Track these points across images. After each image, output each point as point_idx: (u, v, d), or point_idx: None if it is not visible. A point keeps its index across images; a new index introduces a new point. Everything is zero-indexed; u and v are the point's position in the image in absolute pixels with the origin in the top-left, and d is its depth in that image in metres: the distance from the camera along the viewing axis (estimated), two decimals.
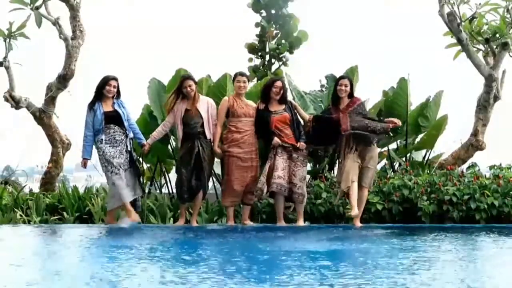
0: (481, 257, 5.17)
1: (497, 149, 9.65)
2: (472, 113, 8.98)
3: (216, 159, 7.51)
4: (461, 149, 8.94)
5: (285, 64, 9.69)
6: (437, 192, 7.52)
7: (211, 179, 7.90)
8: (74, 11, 8.60)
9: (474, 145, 8.86)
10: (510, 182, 7.55)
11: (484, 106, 8.82)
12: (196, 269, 4.30)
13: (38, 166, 10.16)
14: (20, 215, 7.67)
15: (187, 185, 7.05)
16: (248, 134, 7.16)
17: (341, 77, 7.37)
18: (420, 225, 7.32)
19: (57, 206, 7.92)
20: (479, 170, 8.50)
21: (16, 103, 8.72)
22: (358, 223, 7.12)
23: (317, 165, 8.63)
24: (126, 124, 7.12)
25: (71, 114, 9.53)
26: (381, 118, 8.88)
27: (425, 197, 7.50)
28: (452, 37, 8.77)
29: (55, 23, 8.57)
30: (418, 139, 9.27)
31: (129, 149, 7.09)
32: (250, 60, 9.81)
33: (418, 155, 9.36)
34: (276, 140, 7.08)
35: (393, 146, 9.23)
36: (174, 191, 7.70)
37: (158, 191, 8.90)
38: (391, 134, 8.64)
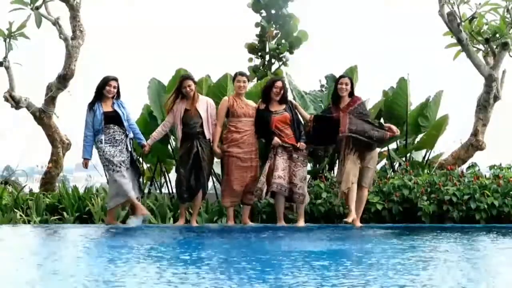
0: (481, 257, 5.17)
1: (497, 149, 9.66)
2: (472, 113, 8.98)
3: (216, 159, 7.51)
4: (461, 149, 8.94)
5: (285, 64, 9.69)
6: (437, 192, 7.53)
7: (211, 179, 7.90)
8: (74, 11, 8.60)
9: (474, 145, 8.86)
10: (510, 182, 7.55)
11: (484, 106, 8.82)
12: (196, 269, 4.30)
13: (38, 166, 10.16)
14: (20, 215, 7.67)
15: (186, 185, 7.06)
16: (248, 134, 7.16)
17: (342, 76, 7.38)
18: (420, 225, 7.32)
19: (57, 206, 7.92)
20: (479, 170, 8.50)
21: (16, 103, 8.72)
22: (358, 223, 7.12)
23: (317, 165, 8.63)
24: (126, 124, 7.12)
25: (71, 114, 9.54)
26: (381, 118, 8.93)
27: (425, 197, 7.50)
28: (452, 37, 8.77)
29: (55, 23, 8.57)
30: (418, 139, 9.27)
31: (129, 149, 7.09)
32: (250, 60, 9.82)
33: (418, 155, 9.36)
34: (276, 140, 7.08)
35: (393, 146, 9.23)
36: (174, 191, 7.70)
37: (158, 191, 8.90)
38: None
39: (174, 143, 8.49)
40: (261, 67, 9.71)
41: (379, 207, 7.50)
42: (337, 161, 7.84)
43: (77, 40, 8.63)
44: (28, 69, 9.40)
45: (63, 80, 8.69)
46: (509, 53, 8.69)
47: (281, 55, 9.65)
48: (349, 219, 6.93)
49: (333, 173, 8.45)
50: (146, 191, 8.52)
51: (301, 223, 7.16)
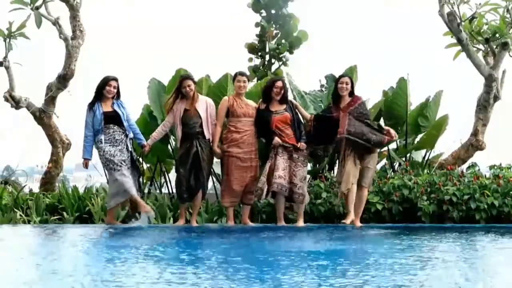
0: (481, 257, 5.17)
1: (497, 149, 9.66)
2: (472, 113, 8.99)
3: (216, 159, 7.51)
4: (461, 149, 8.94)
5: (285, 64, 9.69)
6: (437, 192, 7.53)
7: (210, 179, 7.90)
8: (74, 11, 8.60)
9: (474, 145, 8.86)
10: (510, 182, 7.56)
11: (484, 106, 8.83)
12: (196, 269, 4.30)
13: (38, 166, 10.18)
14: (20, 215, 7.67)
15: (186, 185, 7.06)
16: (248, 134, 7.16)
17: (342, 76, 7.38)
18: (420, 225, 7.32)
19: (57, 206, 7.92)
20: (479, 170, 8.51)
21: (16, 103, 8.72)
22: (358, 223, 7.12)
23: (317, 165, 8.63)
24: (125, 124, 7.12)
25: (71, 114, 9.54)
26: (381, 118, 8.94)
27: (425, 197, 7.50)
28: (452, 37, 8.77)
29: (55, 23, 8.57)
30: (418, 139, 9.27)
31: (129, 149, 7.09)
32: (250, 60, 9.81)
33: (418, 155, 9.36)
34: (276, 140, 7.08)
35: (393, 146, 9.23)
36: (174, 191, 7.70)
37: (158, 191, 8.90)
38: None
39: (174, 143, 8.49)
40: (261, 67, 9.71)
41: (379, 207, 7.51)
42: (337, 161, 7.84)
43: (77, 40, 8.63)
44: (28, 69, 9.40)
45: (63, 80, 8.69)
46: (509, 53, 8.69)
47: (281, 55, 9.65)
48: (348, 221, 6.95)
49: (333, 173, 8.45)
50: (146, 191, 8.52)
51: (301, 223, 7.16)
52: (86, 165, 7.20)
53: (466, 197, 7.40)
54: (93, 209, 7.61)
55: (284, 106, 7.24)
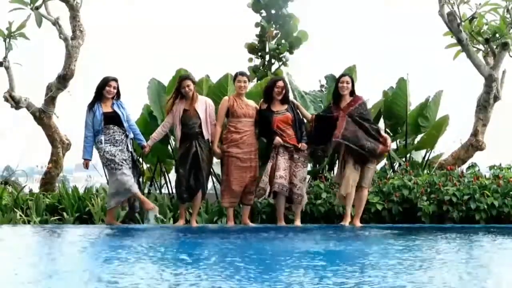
0: (481, 258, 5.17)
1: (497, 149, 9.66)
2: (472, 113, 8.99)
3: (216, 159, 7.51)
4: (461, 149, 8.94)
5: (285, 64, 9.69)
6: (437, 193, 7.53)
7: (210, 179, 7.90)
8: (74, 11, 8.60)
9: (474, 145, 8.86)
10: (510, 182, 7.56)
11: (484, 106, 8.83)
12: (195, 269, 4.30)
13: (38, 166, 10.17)
14: (20, 215, 7.67)
15: (186, 185, 7.06)
16: (248, 134, 7.16)
17: (343, 75, 7.37)
18: (420, 225, 7.32)
19: (57, 206, 7.92)
20: (479, 170, 8.51)
21: (16, 103, 8.72)
22: (358, 223, 7.13)
23: (317, 166, 8.63)
24: (125, 125, 7.12)
25: (71, 114, 9.54)
26: (381, 118, 8.94)
27: (425, 197, 7.51)
28: (452, 37, 8.77)
29: (55, 23, 8.57)
30: (418, 139, 9.27)
31: (130, 149, 7.09)
32: (250, 60, 9.81)
33: (418, 155, 9.36)
34: (277, 139, 7.08)
35: (393, 146, 9.23)
36: (174, 191, 7.70)
37: (158, 192, 8.90)
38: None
39: (174, 143, 8.48)
40: (261, 67, 9.71)
41: (379, 207, 7.51)
42: (337, 161, 7.83)
43: (77, 40, 8.62)
44: (28, 69, 9.41)
45: (63, 80, 8.68)
46: (509, 53, 8.69)
47: (281, 55, 9.65)
48: (346, 223, 6.99)
49: (333, 173, 8.45)
50: (146, 191, 8.52)
51: (298, 223, 7.17)
52: (86, 166, 7.20)
53: (466, 197, 7.41)
54: (93, 209, 7.61)
55: (286, 107, 7.24)
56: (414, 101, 9.13)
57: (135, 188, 6.96)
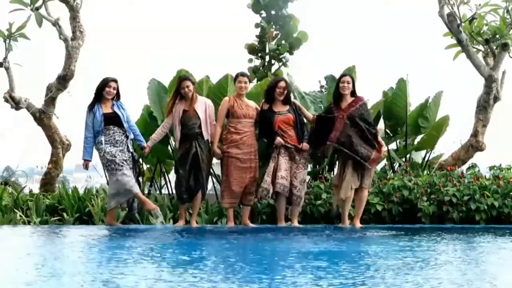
0: (481, 258, 5.17)
1: (497, 150, 9.67)
2: (472, 113, 9.00)
3: (216, 160, 7.51)
4: (461, 150, 8.95)
5: (285, 65, 9.68)
6: (437, 193, 7.53)
7: (210, 180, 7.90)
8: (74, 11, 8.60)
9: (474, 146, 8.87)
10: (510, 183, 7.56)
11: (484, 106, 8.83)
12: (195, 270, 4.30)
13: (38, 167, 10.16)
14: (20, 216, 7.66)
15: (186, 186, 7.06)
16: (248, 135, 7.16)
17: (343, 75, 7.36)
18: (420, 226, 7.32)
19: (57, 207, 7.92)
20: (479, 171, 8.52)
21: (16, 103, 8.72)
22: (358, 224, 7.13)
23: (317, 166, 8.63)
24: (125, 125, 7.12)
25: (71, 115, 9.54)
26: (381, 118, 8.94)
27: (425, 198, 7.51)
28: (452, 37, 8.78)
29: (55, 23, 8.57)
30: (418, 140, 9.27)
31: (130, 150, 7.09)
32: (250, 61, 9.80)
33: (418, 156, 9.36)
34: (279, 140, 7.08)
35: (393, 146, 9.24)
36: (174, 192, 7.70)
37: (158, 192, 8.90)
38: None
39: (174, 143, 8.48)
40: (261, 68, 9.70)
41: (379, 208, 7.51)
42: (337, 162, 7.82)
43: (77, 40, 8.62)
44: (28, 69, 9.41)
45: (63, 80, 8.68)
46: (509, 54, 8.70)
47: (281, 56, 9.64)
48: (345, 225, 7.02)
49: (333, 173, 8.45)
50: (146, 192, 8.52)
51: (295, 223, 7.18)
52: (86, 166, 7.20)
53: (466, 198, 7.41)
54: (93, 210, 7.61)
55: (287, 107, 7.24)
56: (414, 101, 9.15)
57: (136, 189, 6.96)
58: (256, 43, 9.79)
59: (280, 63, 9.70)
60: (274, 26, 9.76)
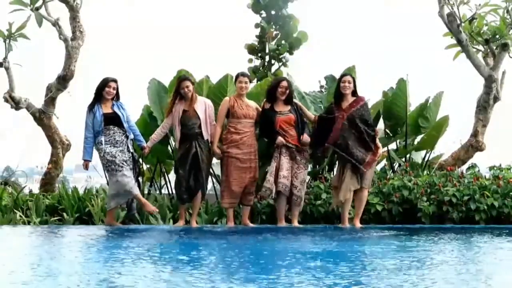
0: (481, 258, 5.17)
1: (497, 150, 9.67)
2: (472, 113, 8.99)
3: (216, 160, 7.51)
4: (461, 150, 8.94)
5: (285, 65, 9.68)
6: (437, 193, 7.53)
7: (210, 180, 7.90)
8: (74, 12, 8.60)
9: (474, 146, 8.87)
10: (510, 183, 7.56)
11: (484, 107, 8.83)
12: (195, 270, 4.31)
13: (38, 167, 10.17)
14: (20, 216, 7.66)
15: (185, 186, 7.07)
16: (248, 135, 7.16)
17: (344, 74, 7.35)
18: (420, 226, 7.32)
19: (57, 207, 7.92)
20: (479, 171, 8.52)
21: (16, 103, 8.72)
22: (358, 224, 7.13)
23: (317, 166, 8.64)
24: (126, 125, 7.12)
25: (71, 115, 9.54)
26: (381, 119, 8.93)
27: (425, 198, 7.51)
28: (452, 37, 8.77)
29: (55, 24, 8.57)
30: (418, 140, 9.27)
31: (130, 150, 7.09)
32: (250, 61, 9.80)
33: (418, 156, 9.36)
34: (280, 139, 7.08)
35: (392, 146, 9.24)
36: (174, 192, 7.70)
37: (157, 192, 8.90)
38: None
39: (174, 143, 8.48)
40: (261, 68, 9.70)
41: (379, 208, 7.51)
42: (337, 162, 7.82)
43: (77, 41, 8.62)
44: (28, 69, 9.41)
45: (63, 81, 8.68)
46: (509, 54, 8.70)
47: (281, 56, 9.64)
48: (345, 226, 7.03)
49: (333, 174, 8.44)
50: (146, 192, 8.52)
51: (295, 223, 7.18)
52: (86, 167, 7.20)
53: (466, 198, 7.41)
54: (93, 210, 7.61)
55: (289, 107, 7.24)
56: (414, 101, 9.15)
57: (136, 190, 6.96)
58: (256, 43, 9.79)
59: (280, 63, 9.70)
60: (274, 26, 9.76)
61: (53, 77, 8.76)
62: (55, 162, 8.91)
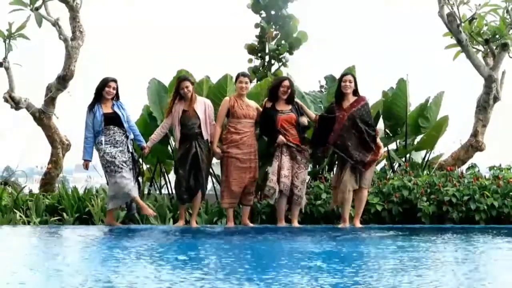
0: (481, 258, 5.17)
1: (497, 150, 9.67)
2: (472, 113, 8.99)
3: (216, 160, 7.51)
4: (461, 150, 8.95)
5: (284, 65, 9.68)
6: (436, 193, 7.53)
7: (210, 180, 7.90)
8: (74, 12, 8.60)
9: (474, 146, 8.87)
10: (509, 183, 7.56)
11: (483, 107, 8.83)
12: (195, 270, 4.31)
13: (37, 167, 10.17)
14: (20, 216, 7.67)
15: (185, 186, 7.07)
16: (248, 135, 7.16)
17: (345, 74, 7.33)
18: (420, 226, 7.32)
19: (56, 207, 7.92)
20: (478, 171, 8.52)
21: (16, 103, 8.72)
22: (358, 224, 7.13)
23: (317, 166, 8.64)
24: (126, 125, 7.12)
25: (71, 115, 9.54)
26: (381, 119, 8.93)
27: (424, 198, 7.51)
28: (451, 37, 8.77)
29: (55, 23, 8.57)
30: (418, 140, 9.27)
31: (130, 150, 7.09)
32: (250, 61, 9.80)
33: (418, 156, 9.36)
34: (281, 138, 7.08)
35: (393, 146, 9.24)
36: (174, 192, 7.70)
37: (157, 192, 8.90)
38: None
39: (173, 144, 8.48)
40: (260, 68, 9.70)
41: (379, 208, 7.51)
42: (336, 163, 7.82)
43: (77, 41, 8.62)
44: (28, 69, 9.41)
45: (63, 81, 8.69)
46: (509, 54, 8.69)
47: (280, 56, 9.64)
48: (345, 226, 7.02)
49: (333, 173, 8.44)
50: (145, 192, 8.52)
51: (295, 223, 7.18)
52: (86, 166, 7.20)
53: (466, 198, 7.41)
54: (93, 210, 7.61)
55: (290, 107, 7.24)
56: (414, 101, 9.15)
57: (134, 192, 6.95)
58: (256, 43, 9.79)
59: (280, 63, 9.70)
60: (274, 26, 9.76)
61: (53, 77, 8.78)
62: (55, 162, 8.91)
